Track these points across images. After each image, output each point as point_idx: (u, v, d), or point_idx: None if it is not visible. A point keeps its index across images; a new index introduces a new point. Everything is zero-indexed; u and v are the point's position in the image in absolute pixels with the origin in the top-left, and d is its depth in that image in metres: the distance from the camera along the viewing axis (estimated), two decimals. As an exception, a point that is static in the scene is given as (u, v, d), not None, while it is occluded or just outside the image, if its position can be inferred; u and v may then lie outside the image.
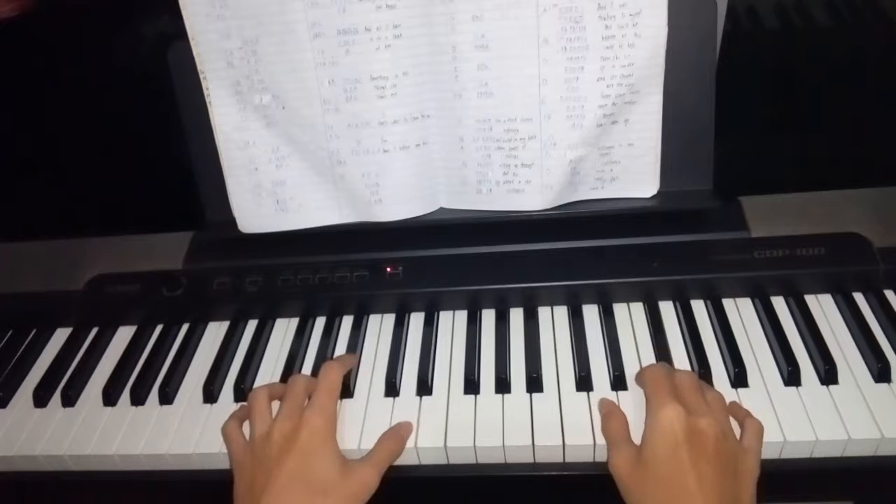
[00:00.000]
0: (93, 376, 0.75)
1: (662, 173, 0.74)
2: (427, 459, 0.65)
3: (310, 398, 0.64)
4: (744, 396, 0.64)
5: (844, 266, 0.72)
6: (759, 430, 0.61)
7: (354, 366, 0.71)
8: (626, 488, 0.58)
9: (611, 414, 0.63)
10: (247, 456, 0.62)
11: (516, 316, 0.75)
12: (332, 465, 0.60)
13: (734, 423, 0.61)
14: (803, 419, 0.62)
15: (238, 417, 0.66)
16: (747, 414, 0.62)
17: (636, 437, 0.61)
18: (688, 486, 0.55)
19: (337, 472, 0.60)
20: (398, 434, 0.64)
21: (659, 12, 0.67)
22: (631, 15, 0.67)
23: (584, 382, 0.67)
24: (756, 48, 0.80)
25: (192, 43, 0.70)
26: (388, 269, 0.76)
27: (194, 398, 0.71)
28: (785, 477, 0.63)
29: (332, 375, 0.66)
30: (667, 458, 0.56)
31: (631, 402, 0.65)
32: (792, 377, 0.65)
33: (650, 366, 0.66)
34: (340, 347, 0.74)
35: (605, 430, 0.62)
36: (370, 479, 0.60)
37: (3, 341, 0.82)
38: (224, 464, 0.66)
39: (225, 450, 0.65)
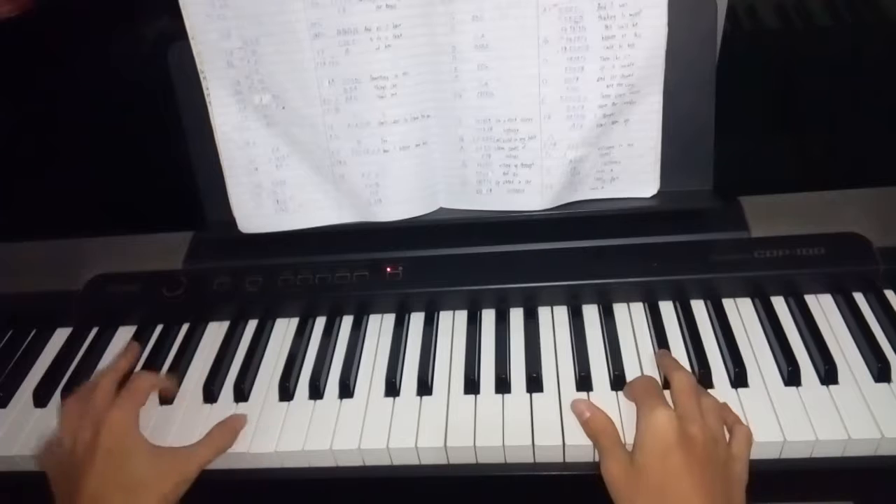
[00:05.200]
0: (93, 376, 0.75)
1: (662, 173, 0.74)
2: (427, 459, 0.65)
3: None
4: (744, 396, 0.64)
5: (844, 266, 0.72)
6: (748, 436, 0.60)
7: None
8: (619, 494, 0.57)
9: (594, 417, 0.62)
10: (59, 479, 0.60)
11: (516, 316, 0.75)
12: (142, 459, 0.58)
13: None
14: (803, 419, 0.62)
15: (48, 442, 0.65)
16: (737, 420, 0.61)
17: (628, 437, 0.61)
18: (682, 490, 0.54)
19: (148, 465, 0.58)
20: (230, 426, 0.64)
21: (659, 12, 0.67)
22: (631, 15, 0.67)
23: (584, 382, 0.67)
24: (756, 48, 0.80)
25: (192, 43, 0.70)
26: (388, 269, 0.76)
27: (194, 398, 0.71)
28: (785, 477, 0.63)
29: (143, 382, 0.64)
30: (660, 463, 0.56)
31: (630, 402, 0.64)
32: (792, 377, 0.65)
33: (636, 378, 0.66)
34: (340, 347, 0.74)
35: (594, 435, 0.61)
36: (188, 470, 0.59)
37: (3, 341, 0.82)
38: (222, 463, 0.65)
39: (228, 450, 0.65)
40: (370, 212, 0.76)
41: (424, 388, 0.68)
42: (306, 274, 0.77)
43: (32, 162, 0.90)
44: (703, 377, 0.66)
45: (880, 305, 0.71)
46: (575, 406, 0.64)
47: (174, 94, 0.74)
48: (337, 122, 0.72)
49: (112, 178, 0.87)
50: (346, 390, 0.69)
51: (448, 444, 0.64)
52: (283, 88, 0.71)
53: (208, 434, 0.64)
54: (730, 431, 0.61)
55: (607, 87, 0.69)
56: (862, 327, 0.68)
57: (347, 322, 0.77)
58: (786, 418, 0.62)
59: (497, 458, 0.64)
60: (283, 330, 0.77)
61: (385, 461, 0.65)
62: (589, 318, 0.74)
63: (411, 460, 0.65)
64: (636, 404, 0.61)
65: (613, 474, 0.58)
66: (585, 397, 0.66)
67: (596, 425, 0.61)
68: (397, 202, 0.75)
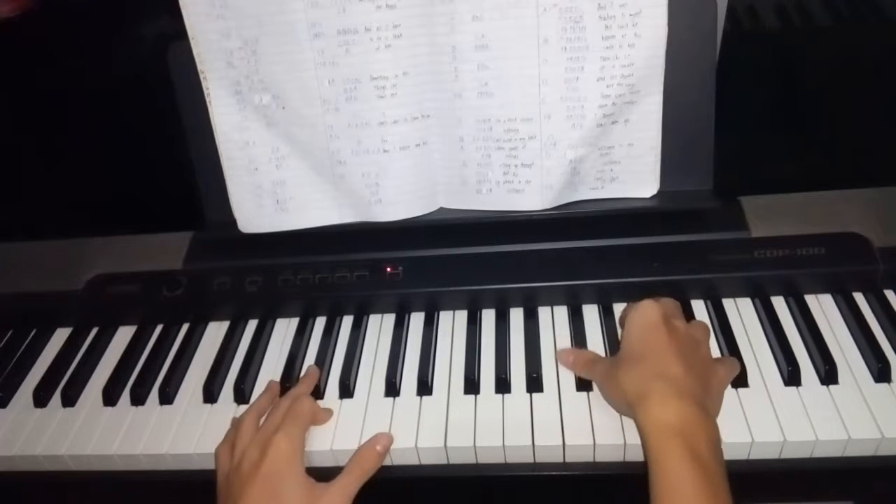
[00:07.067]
0: (93, 376, 0.75)
1: (662, 173, 0.74)
2: (427, 459, 0.65)
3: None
4: (744, 396, 0.64)
5: (844, 266, 0.72)
6: (733, 367, 0.64)
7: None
8: (604, 384, 0.62)
9: (579, 354, 0.68)
10: (224, 484, 0.62)
11: (516, 316, 0.75)
12: (297, 492, 0.59)
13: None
14: (803, 419, 0.62)
15: (230, 440, 0.65)
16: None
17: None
18: (663, 356, 0.58)
19: (300, 497, 0.58)
20: (372, 450, 0.63)
21: (659, 12, 0.67)
22: (631, 15, 0.67)
23: (584, 382, 0.67)
24: (756, 48, 0.80)
25: (192, 43, 0.70)
26: (388, 269, 0.76)
27: (194, 398, 0.71)
28: (785, 477, 0.63)
29: (306, 406, 0.65)
30: (642, 340, 0.60)
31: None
32: (792, 377, 0.65)
33: None
34: (340, 347, 0.74)
35: (586, 368, 0.66)
36: None
37: (3, 341, 0.82)
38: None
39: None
40: (370, 212, 0.76)
41: (424, 388, 0.68)
42: (306, 274, 0.77)
43: (33, 162, 0.90)
44: (703, 377, 0.66)
45: (880, 305, 0.71)
46: (561, 357, 0.69)
47: (174, 94, 0.74)
48: (337, 122, 0.72)
49: (112, 177, 0.87)
50: (346, 390, 0.69)
51: (448, 444, 0.64)
52: (283, 88, 0.71)
53: (353, 458, 0.62)
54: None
55: (607, 87, 0.69)
56: (862, 327, 0.68)
57: (347, 322, 0.77)
58: (786, 418, 0.62)
59: (497, 459, 0.64)
60: (284, 330, 0.77)
61: (385, 461, 0.65)
62: (589, 318, 0.74)
63: (411, 460, 0.65)
64: (625, 315, 0.65)
65: (600, 372, 0.63)
66: (585, 397, 0.66)
67: (583, 360, 0.66)
68: (397, 202, 0.75)
